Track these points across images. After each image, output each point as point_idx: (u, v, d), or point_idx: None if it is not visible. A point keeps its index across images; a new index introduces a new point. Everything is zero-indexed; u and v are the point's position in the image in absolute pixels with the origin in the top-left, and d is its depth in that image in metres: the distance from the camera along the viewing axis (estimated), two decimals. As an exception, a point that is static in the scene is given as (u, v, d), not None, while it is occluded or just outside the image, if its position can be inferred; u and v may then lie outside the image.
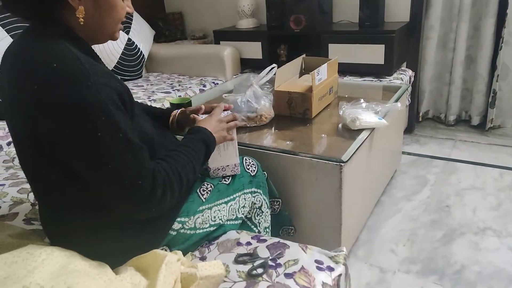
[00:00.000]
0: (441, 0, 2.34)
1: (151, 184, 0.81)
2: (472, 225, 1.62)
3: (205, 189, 1.05)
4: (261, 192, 1.20)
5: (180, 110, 1.24)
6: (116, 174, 0.77)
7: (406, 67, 2.41)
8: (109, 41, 0.93)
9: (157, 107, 1.47)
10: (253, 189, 1.17)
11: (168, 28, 3.13)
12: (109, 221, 0.88)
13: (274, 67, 1.67)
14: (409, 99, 2.36)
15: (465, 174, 2.01)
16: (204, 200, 1.03)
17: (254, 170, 1.20)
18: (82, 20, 0.80)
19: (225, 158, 1.12)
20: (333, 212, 1.32)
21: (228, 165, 1.13)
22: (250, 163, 1.20)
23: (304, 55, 1.92)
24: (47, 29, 0.79)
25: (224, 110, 1.15)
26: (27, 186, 1.30)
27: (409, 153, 2.27)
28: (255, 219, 1.19)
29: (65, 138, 0.75)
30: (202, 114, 1.16)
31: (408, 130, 2.52)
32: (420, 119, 2.65)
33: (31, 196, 1.25)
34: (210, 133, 1.01)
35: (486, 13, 2.25)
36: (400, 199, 1.84)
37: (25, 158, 0.87)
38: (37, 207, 1.18)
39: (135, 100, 0.94)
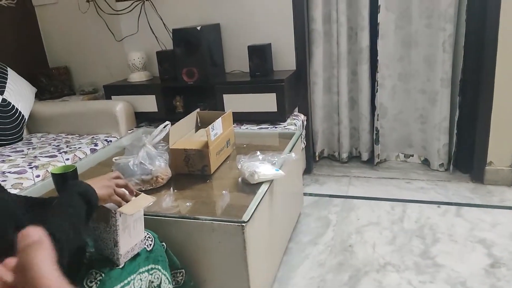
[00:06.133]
0: (321, 49, 2.54)
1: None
2: (374, 263, 1.69)
3: (93, 279, 0.92)
4: (160, 268, 1.10)
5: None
6: None
7: (298, 112, 2.54)
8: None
9: (38, 197, 1.21)
10: (150, 266, 1.06)
11: (53, 84, 2.90)
12: None
13: (167, 124, 1.62)
14: (304, 142, 2.46)
15: (362, 210, 2.12)
16: (91, 292, 0.90)
17: (150, 244, 1.10)
18: None
19: (134, 237, 1.02)
20: (239, 274, 1.27)
21: (136, 244, 1.03)
22: (146, 236, 1.10)
23: (198, 110, 1.90)
24: None
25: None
26: None
27: (310, 194, 2.34)
28: (155, 299, 1.08)
29: None
30: None
31: (307, 171, 2.62)
32: (317, 159, 2.78)
33: None
34: (87, 185, 0.89)
35: (360, 60, 2.49)
36: (306, 244, 1.86)
37: None
38: None
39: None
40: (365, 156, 2.69)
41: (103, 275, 0.94)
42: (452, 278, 1.57)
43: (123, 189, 1.00)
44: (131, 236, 1.00)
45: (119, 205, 0.97)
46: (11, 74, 2.45)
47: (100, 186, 0.92)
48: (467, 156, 2.40)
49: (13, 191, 1.63)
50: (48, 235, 0.72)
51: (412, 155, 2.67)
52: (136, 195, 1.03)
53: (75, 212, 0.82)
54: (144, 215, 1.28)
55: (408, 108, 2.57)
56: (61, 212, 0.80)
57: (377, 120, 2.57)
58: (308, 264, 1.72)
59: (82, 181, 0.91)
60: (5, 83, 2.36)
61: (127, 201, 0.99)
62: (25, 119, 2.44)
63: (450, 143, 2.49)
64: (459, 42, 2.31)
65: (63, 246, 0.75)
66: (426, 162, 2.61)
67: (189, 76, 2.36)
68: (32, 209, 0.94)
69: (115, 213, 0.94)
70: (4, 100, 2.30)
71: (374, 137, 2.61)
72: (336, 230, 1.96)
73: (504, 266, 1.61)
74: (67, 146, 2.22)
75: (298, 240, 1.90)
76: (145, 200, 1.02)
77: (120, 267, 0.98)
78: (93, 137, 2.36)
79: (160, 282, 1.09)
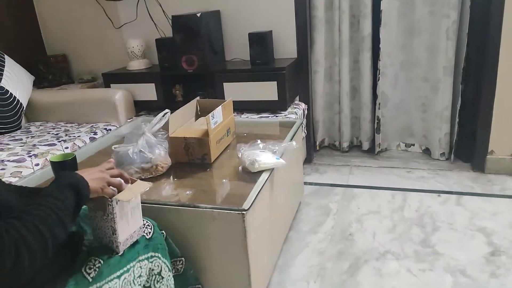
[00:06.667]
0: (323, 37, 2.51)
1: None
2: (374, 251, 1.69)
3: (92, 266, 0.92)
4: (160, 256, 1.09)
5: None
6: None
7: (299, 101, 2.51)
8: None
9: (33, 187, 1.18)
10: (150, 254, 1.06)
11: (51, 71, 2.87)
12: None
13: (167, 112, 1.60)
14: (305, 131, 2.45)
15: (362, 199, 2.12)
16: (91, 279, 0.90)
17: (150, 232, 1.09)
18: None
19: (132, 225, 1.01)
20: (240, 262, 1.26)
21: (134, 231, 1.03)
22: (145, 224, 1.09)
23: (198, 98, 1.88)
24: None
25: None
26: None
27: (310, 183, 2.34)
28: (155, 287, 1.08)
29: None
30: None
31: (308, 160, 2.60)
32: (318, 148, 2.76)
33: None
34: (80, 177, 0.88)
35: (362, 48, 2.46)
36: (306, 233, 1.86)
37: None
38: None
39: None
40: (366, 146, 2.68)
41: (102, 262, 0.93)
42: (451, 266, 1.57)
43: (119, 179, 0.99)
44: (129, 224, 1.00)
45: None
46: (9, 62, 2.43)
47: (93, 178, 0.91)
48: (469, 145, 2.38)
49: (12, 180, 1.63)
50: (33, 226, 0.71)
51: (413, 144, 2.66)
52: (132, 183, 1.03)
53: (63, 205, 0.81)
54: (144, 203, 1.28)
55: (409, 96, 2.55)
56: (49, 203, 0.79)
57: (379, 109, 2.55)
58: (308, 252, 1.72)
59: (76, 173, 0.90)
60: (3, 70, 2.34)
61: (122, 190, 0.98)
62: (23, 107, 2.42)
63: (451, 132, 2.47)
64: (462, 30, 2.28)
65: (48, 238, 0.75)
66: (427, 152, 2.60)
67: (189, 64, 2.33)
68: (26, 198, 0.93)
69: (112, 200, 0.93)
70: (1, 87, 2.28)
71: (375, 126, 2.59)
72: (337, 219, 1.95)
73: (504, 254, 1.61)
74: (66, 135, 2.21)
75: (298, 229, 1.89)
76: (141, 186, 1.02)
77: (119, 254, 0.97)
78: (92, 126, 2.35)
79: (161, 270, 1.09)
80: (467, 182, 2.22)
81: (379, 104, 2.54)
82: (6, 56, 2.43)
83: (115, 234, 0.96)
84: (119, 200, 0.95)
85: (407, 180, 2.29)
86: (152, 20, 2.61)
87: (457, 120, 2.40)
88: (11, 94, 2.32)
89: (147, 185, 1.02)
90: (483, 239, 1.72)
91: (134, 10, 2.63)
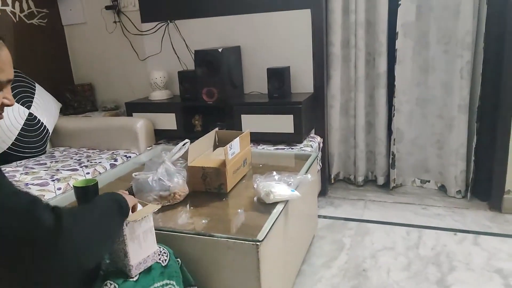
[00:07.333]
0: (339, 73, 2.58)
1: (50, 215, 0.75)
2: (388, 288, 1.67)
3: (108, 290, 0.95)
4: (174, 284, 1.12)
5: None
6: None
7: (315, 134, 2.56)
8: (6, 117, 0.87)
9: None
10: (165, 281, 1.08)
11: (77, 99, 3.00)
12: None
13: (186, 142, 1.66)
14: (320, 164, 2.47)
15: (376, 234, 2.10)
16: (107, 303, 0.93)
17: (165, 260, 1.12)
18: None
19: (145, 249, 1.05)
20: (252, 293, 1.27)
21: (148, 256, 1.06)
22: (161, 252, 1.13)
23: (217, 129, 1.94)
24: None
25: None
26: None
27: (325, 217, 2.34)
28: (169, 314, 1.10)
29: None
30: None
31: (322, 193, 2.61)
32: (333, 181, 2.78)
33: None
34: (122, 197, 0.98)
35: (378, 84, 2.52)
36: (320, 267, 1.85)
37: None
38: None
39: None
40: (381, 180, 2.68)
41: (117, 286, 0.96)
42: (468, 308, 1.54)
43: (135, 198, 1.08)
44: (141, 248, 1.03)
45: None
46: (39, 90, 2.55)
47: (129, 199, 1.00)
48: (485, 184, 2.36)
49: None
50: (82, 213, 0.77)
51: (429, 181, 2.65)
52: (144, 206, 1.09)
53: (108, 211, 0.92)
54: (161, 230, 1.31)
55: (425, 133, 2.56)
56: (94, 208, 0.90)
57: (394, 144, 2.57)
58: (321, 287, 1.71)
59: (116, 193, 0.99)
60: (33, 98, 2.46)
61: None
62: (49, 133, 2.52)
63: (467, 170, 2.46)
64: (477, 69, 2.31)
65: (96, 229, 0.84)
66: (443, 189, 2.58)
67: (209, 96, 2.42)
68: None
69: None
70: (30, 114, 2.39)
71: (390, 161, 2.60)
72: (350, 254, 1.94)
73: (523, 298, 1.58)
74: (88, 161, 2.28)
75: (311, 263, 1.89)
76: (149, 208, 1.08)
77: (134, 279, 1.00)
78: (113, 153, 2.42)
79: (175, 298, 1.11)
80: (484, 222, 2.19)
81: (394, 139, 2.56)
82: (36, 85, 2.56)
83: (127, 257, 0.99)
84: (128, 222, 0.99)
85: (422, 217, 2.27)
86: (176, 53, 2.74)
87: (473, 158, 2.39)
88: (39, 120, 2.43)
89: (156, 207, 1.08)
90: (501, 281, 1.69)
91: (159, 44, 2.76)
